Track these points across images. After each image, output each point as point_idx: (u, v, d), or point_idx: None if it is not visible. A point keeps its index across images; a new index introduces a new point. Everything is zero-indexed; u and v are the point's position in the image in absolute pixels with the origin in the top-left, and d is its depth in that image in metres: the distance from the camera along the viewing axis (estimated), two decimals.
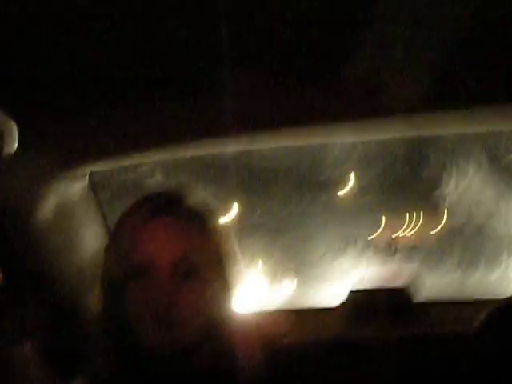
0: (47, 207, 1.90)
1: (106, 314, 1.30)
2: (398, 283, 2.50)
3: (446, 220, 5.06)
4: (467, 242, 4.84)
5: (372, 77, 1.43)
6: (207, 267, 1.27)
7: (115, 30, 1.28)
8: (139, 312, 1.22)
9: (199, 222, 1.30)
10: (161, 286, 1.21)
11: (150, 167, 3.03)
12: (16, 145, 1.57)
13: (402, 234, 5.26)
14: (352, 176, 5.04)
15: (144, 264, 1.24)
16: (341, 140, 1.77)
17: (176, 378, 1.26)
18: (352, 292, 2.32)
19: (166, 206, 1.30)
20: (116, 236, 1.33)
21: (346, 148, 4.24)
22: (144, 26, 1.29)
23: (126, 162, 1.95)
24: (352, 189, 5.22)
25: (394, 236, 5.19)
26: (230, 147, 1.86)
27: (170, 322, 1.20)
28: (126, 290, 1.25)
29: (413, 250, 4.69)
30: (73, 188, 2.01)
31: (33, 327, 1.89)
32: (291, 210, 5.54)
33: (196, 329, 1.24)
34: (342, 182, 5.13)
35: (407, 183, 5.00)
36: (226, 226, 1.39)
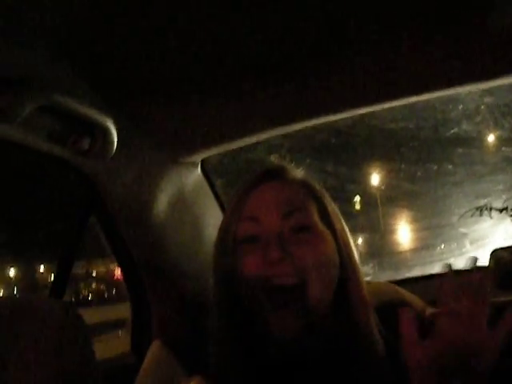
0: (164, 198, 1.89)
1: (218, 288, 1.27)
2: None
3: None
4: None
5: None
6: (316, 227, 1.24)
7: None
8: (251, 273, 1.20)
9: (307, 189, 1.30)
10: (270, 246, 1.19)
11: (264, 148, 2.98)
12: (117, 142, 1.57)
13: None
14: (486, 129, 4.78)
15: (251, 226, 1.24)
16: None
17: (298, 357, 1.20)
18: (497, 250, 2.15)
19: (272, 175, 1.31)
20: (227, 207, 1.35)
21: (472, 100, 4.03)
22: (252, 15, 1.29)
23: (237, 145, 1.90)
24: (490, 143, 4.96)
25: None
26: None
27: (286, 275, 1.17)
28: (237, 257, 1.23)
29: None
30: (186, 176, 1.98)
31: (163, 323, 1.89)
32: (425, 169, 5.38)
33: (322, 293, 1.20)
34: (477, 136, 4.88)
35: None
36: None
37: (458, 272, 1.17)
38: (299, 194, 1.27)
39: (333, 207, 1.32)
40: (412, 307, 1.38)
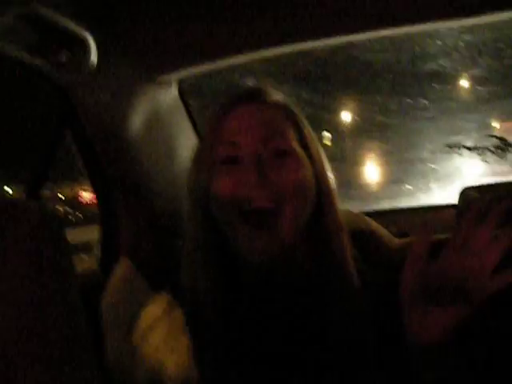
0: (139, 116, 1.88)
1: (192, 208, 1.28)
2: None
3: None
4: None
5: None
6: (295, 152, 1.24)
7: None
8: (227, 194, 1.20)
9: (286, 113, 1.29)
10: (252, 168, 1.19)
11: (240, 72, 2.95)
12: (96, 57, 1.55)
13: None
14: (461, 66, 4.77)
15: (229, 149, 1.23)
16: None
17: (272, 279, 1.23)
18: (466, 188, 2.17)
19: (249, 96, 1.30)
20: (204, 131, 1.35)
21: (451, 36, 4.00)
22: None
23: (215, 67, 1.89)
24: (465, 81, 4.96)
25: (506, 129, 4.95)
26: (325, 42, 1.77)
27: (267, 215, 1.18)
28: (213, 178, 1.23)
29: None
30: (162, 96, 1.97)
31: (132, 241, 1.90)
32: (400, 103, 5.37)
33: (298, 217, 1.22)
34: (453, 73, 4.87)
35: None
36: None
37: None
38: (278, 118, 1.26)
39: (310, 132, 1.31)
40: (380, 238, 1.40)
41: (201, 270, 1.23)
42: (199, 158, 1.29)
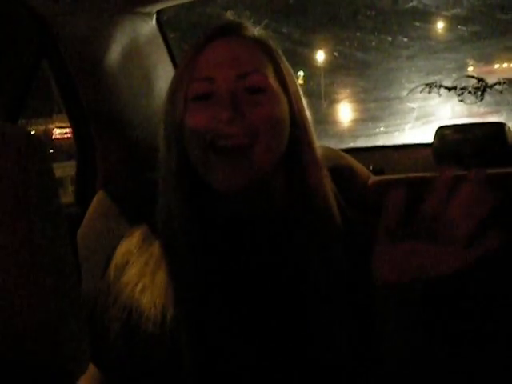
0: (117, 47, 1.85)
1: (167, 143, 1.25)
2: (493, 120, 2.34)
3: None
4: None
5: None
6: (271, 88, 1.21)
7: None
8: (201, 130, 1.18)
9: (264, 48, 1.25)
10: (226, 105, 1.16)
11: (220, 4, 2.90)
12: None
13: (496, 68, 5.01)
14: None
15: (204, 86, 1.20)
16: None
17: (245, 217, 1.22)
18: (442, 128, 2.18)
19: (226, 31, 1.25)
20: (179, 64, 1.30)
21: None
22: None
23: None
24: (447, 20, 4.93)
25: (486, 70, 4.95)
26: None
27: (234, 135, 1.16)
28: (187, 114, 1.20)
29: (507, 85, 4.44)
30: (141, 27, 1.94)
31: (108, 175, 1.89)
32: (380, 40, 5.34)
33: (272, 151, 1.20)
34: (435, 12, 4.83)
35: (503, 10, 4.68)
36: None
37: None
38: (256, 53, 1.24)
39: (287, 68, 1.29)
40: (357, 174, 1.41)
41: (175, 202, 1.22)
42: (174, 93, 1.25)
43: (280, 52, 1.30)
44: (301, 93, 1.30)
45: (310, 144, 1.26)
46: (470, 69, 4.96)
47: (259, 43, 1.26)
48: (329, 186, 1.25)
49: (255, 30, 1.29)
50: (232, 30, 1.26)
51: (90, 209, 1.66)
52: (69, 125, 1.94)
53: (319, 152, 1.27)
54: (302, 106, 1.28)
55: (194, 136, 1.19)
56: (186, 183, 1.22)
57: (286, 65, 1.29)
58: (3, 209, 0.65)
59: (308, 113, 1.29)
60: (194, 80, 1.21)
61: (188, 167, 1.22)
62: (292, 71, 1.31)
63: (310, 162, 1.25)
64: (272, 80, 1.22)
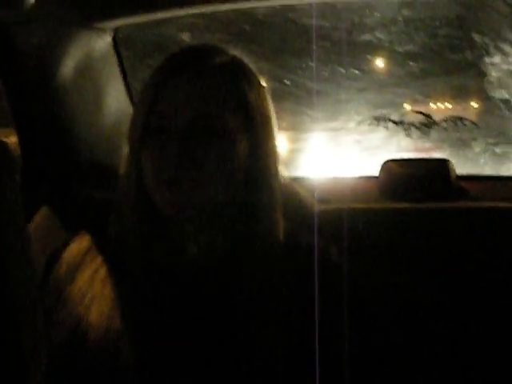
0: (70, 60, 1.84)
1: (126, 175, 1.25)
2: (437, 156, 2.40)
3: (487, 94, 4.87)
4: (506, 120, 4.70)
5: None
6: (236, 128, 1.19)
7: None
8: (155, 172, 1.17)
9: (229, 78, 1.21)
10: (177, 145, 1.14)
11: (177, 26, 2.91)
12: None
13: (443, 106, 5.12)
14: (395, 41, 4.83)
15: (161, 123, 1.17)
16: None
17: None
18: (388, 161, 2.21)
19: (191, 61, 1.21)
20: (140, 96, 1.27)
21: (390, 10, 4.05)
22: None
23: (152, 17, 1.86)
24: (399, 55, 5.02)
25: (433, 107, 5.06)
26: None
27: (189, 181, 1.15)
28: (144, 151, 1.19)
29: (453, 123, 4.55)
30: (96, 43, 1.93)
31: (53, 189, 1.87)
32: (333, 71, 5.41)
33: (219, 191, 1.19)
34: (388, 47, 4.92)
35: (453, 50, 4.79)
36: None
37: None
38: (219, 88, 1.19)
39: (257, 93, 1.24)
40: (304, 203, 1.41)
41: (131, 222, 1.23)
42: (133, 122, 1.23)
43: (252, 73, 1.26)
44: (272, 116, 1.26)
45: (267, 187, 1.23)
46: (418, 105, 5.05)
47: (226, 72, 1.22)
48: (280, 230, 1.23)
49: (224, 55, 1.24)
50: (197, 59, 1.22)
51: (32, 223, 1.64)
52: None
53: (278, 191, 1.25)
54: (267, 142, 1.25)
55: (148, 167, 1.19)
56: (144, 205, 1.22)
57: (255, 89, 1.24)
58: None
59: (276, 143, 1.26)
60: (151, 113, 1.18)
61: (146, 191, 1.21)
62: (265, 91, 1.27)
63: (267, 202, 1.23)
64: (232, 118, 1.19)
